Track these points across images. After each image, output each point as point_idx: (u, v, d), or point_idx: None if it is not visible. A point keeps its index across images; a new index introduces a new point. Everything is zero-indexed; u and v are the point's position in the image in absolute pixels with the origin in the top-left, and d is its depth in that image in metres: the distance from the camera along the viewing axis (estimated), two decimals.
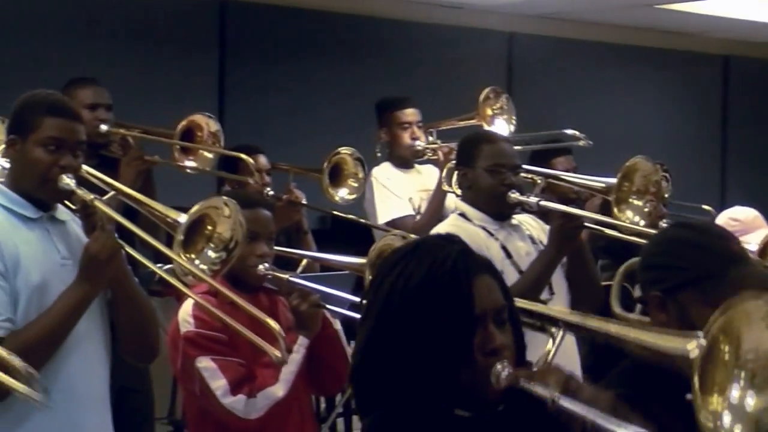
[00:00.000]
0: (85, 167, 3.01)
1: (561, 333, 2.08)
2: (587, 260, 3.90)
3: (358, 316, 1.89)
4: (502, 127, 5.54)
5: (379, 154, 5.49)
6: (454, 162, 4.42)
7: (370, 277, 2.14)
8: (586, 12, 7.99)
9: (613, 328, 1.99)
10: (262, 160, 4.93)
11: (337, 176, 5.10)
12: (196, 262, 2.93)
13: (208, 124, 4.73)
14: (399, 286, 1.80)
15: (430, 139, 5.49)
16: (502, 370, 1.76)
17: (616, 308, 3.75)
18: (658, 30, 8.52)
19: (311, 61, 7.00)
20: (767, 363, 1.73)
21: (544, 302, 3.74)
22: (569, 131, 5.58)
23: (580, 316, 2.07)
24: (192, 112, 4.78)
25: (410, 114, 5.42)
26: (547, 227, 3.86)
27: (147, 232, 2.92)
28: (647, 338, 1.89)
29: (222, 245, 2.96)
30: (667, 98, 8.82)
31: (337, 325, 3.38)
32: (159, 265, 3.07)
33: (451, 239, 1.88)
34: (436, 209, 5.06)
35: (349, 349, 3.24)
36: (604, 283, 4.03)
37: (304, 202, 4.96)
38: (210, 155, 4.73)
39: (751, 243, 4.03)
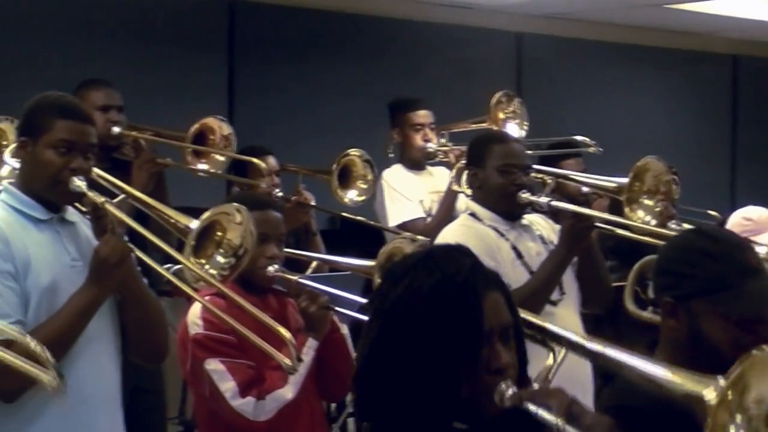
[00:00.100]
0: (95, 170, 3.02)
1: (563, 351, 2.06)
2: (598, 260, 3.90)
3: (366, 319, 1.88)
4: (513, 131, 5.53)
5: (391, 155, 5.49)
6: (463, 162, 4.42)
7: (379, 281, 2.13)
8: (595, 12, 7.97)
9: (621, 356, 1.96)
10: (272, 161, 4.93)
11: (346, 178, 5.10)
12: (206, 267, 2.92)
13: (220, 127, 4.73)
14: (407, 296, 1.77)
15: (442, 141, 5.49)
16: (506, 389, 1.75)
17: (630, 306, 3.75)
18: (666, 30, 8.51)
19: (319, 62, 7.00)
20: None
21: (554, 302, 3.74)
22: (579, 137, 5.58)
23: (586, 338, 2.04)
24: (200, 112, 4.79)
25: (423, 116, 5.42)
26: (557, 227, 3.85)
27: (158, 236, 2.92)
28: (659, 373, 1.86)
29: (231, 251, 2.95)
30: (676, 98, 8.80)
31: (345, 329, 3.38)
32: (168, 266, 3.07)
33: (462, 251, 1.84)
34: (447, 211, 5.05)
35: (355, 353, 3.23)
36: (613, 284, 4.02)
37: (312, 203, 4.96)
38: (222, 158, 4.72)
39: (764, 243, 4.02)
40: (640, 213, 3.86)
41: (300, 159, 5.39)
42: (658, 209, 3.86)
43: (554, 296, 3.74)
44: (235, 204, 3.01)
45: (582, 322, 3.87)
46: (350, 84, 7.11)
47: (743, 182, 9.07)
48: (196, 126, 4.65)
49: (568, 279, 3.81)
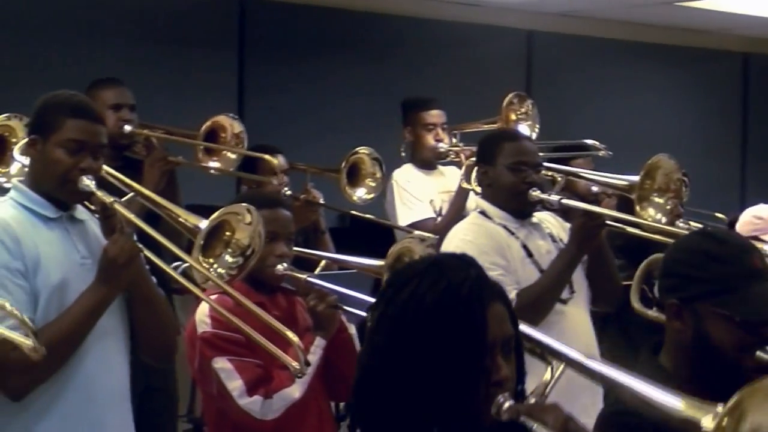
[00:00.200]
0: (106, 168, 3.02)
1: (561, 366, 2.05)
2: (608, 259, 3.89)
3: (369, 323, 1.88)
4: (524, 132, 5.52)
5: (403, 153, 5.49)
6: (473, 159, 4.41)
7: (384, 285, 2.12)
8: (605, 9, 7.96)
9: (620, 377, 1.94)
10: (281, 160, 4.92)
11: (354, 176, 5.09)
12: (214, 266, 2.92)
13: (232, 125, 4.72)
14: (412, 304, 1.77)
15: (454, 141, 5.48)
16: (504, 402, 1.75)
17: (636, 304, 3.74)
18: (677, 27, 8.49)
19: (328, 60, 7.00)
20: None
21: (564, 301, 3.74)
22: (589, 141, 5.58)
23: (585, 355, 2.04)
24: (211, 110, 4.78)
25: (435, 115, 5.42)
26: (567, 225, 3.85)
27: (169, 235, 2.92)
28: (657, 397, 1.85)
29: (240, 251, 2.95)
30: (687, 96, 8.78)
31: (352, 329, 3.37)
32: (176, 264, 3.07)
33: (468, 261, 1.84)
34: (458, 210, 5.05)
35: None
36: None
37: (321, 202, 4.96)
38: (233, 156, 4.72)
39: None
40: (651, 211, 3.85)
41: (309, 157, 5.39)
42: (668, 207, 3.86)
43: (564, 294, 3.73)
44: (245, 204, 3.00)
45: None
46: (359, 82, 7.11)
47: (753, 180, 9.04)
48: (207, 124, 4.65)
49: (578, 277, 3.80)
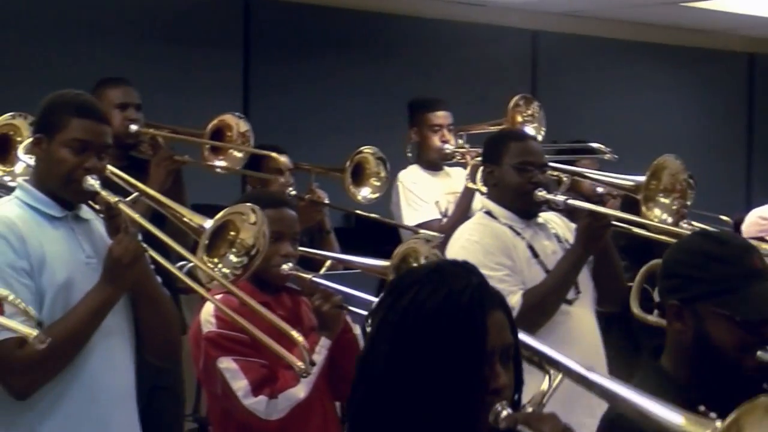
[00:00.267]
0: (110, 168, 3.02)
1: (559, 376, 2.05)
2: (614, 259, 3.88)
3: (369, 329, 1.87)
4: None
5: (409, 154, 5.48)
6: (479, 159, 4.40)
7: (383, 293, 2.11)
8: (610, 9, 7.96)
9: (619, 389, 1.93)
10: (285, 160, 4.92)
11: (359, 175, 5.09)
12: (219, 266, 2.92)
13: (237, 124, 4.72)
14: (412, 310, 1.77)
15: (460, 142, 5.47)
16: (502, 410, 1.75)
17: (635, 309, 3.74)
18: (682, 27, 8.48)
19: (334, 59, 7.00)
20: None
21: (570, 301, 3.73)
22: (595, 144, 5.57)
23: (584, 366, 2.03)
24: (216, 110, 4.78)
25: (442, 117, 5.40)
26: (572, 225, 3.84)
27: (175, 235, 2.92)
28: (656, 411, 1.85)
29: (244, 251, 2.95)
30: (692, 96, 8.78)
31: (357, 329, 3.36)
32: (181, 263, 3.06)
33: (469, 268, 1.84)
34: (464, 211, 5.03)
35: None
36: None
37: (326, 201, 4.95)
38: (240, 155, 4.70)
39: None
40: (657, 211, 3.85)
41: (314, 157, 5.38)
42: (674, 207, 3.85)
43: (570, 295, 3.73)
44: (250, 204, 3.00)
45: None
46: (364, 81, 7.11)
47: (759, 181, 9.04)
48: (213, 122, 4.64)
49: (584, 278, 3.80)
